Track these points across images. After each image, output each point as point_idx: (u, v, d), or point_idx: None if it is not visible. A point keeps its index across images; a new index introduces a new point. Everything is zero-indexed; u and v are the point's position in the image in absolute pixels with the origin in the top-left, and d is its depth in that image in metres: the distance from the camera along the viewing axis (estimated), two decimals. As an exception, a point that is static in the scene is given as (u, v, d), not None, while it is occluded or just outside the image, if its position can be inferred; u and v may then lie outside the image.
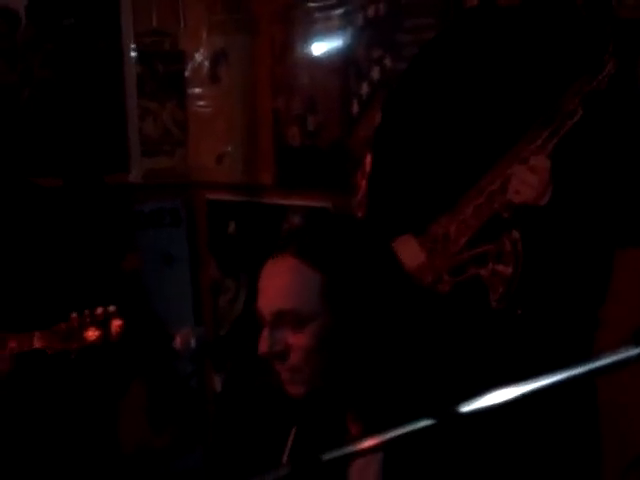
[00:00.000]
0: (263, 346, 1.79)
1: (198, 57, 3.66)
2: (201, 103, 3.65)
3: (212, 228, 3.64)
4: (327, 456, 1.05)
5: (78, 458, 2.58)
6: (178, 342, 1.98)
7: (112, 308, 2.25)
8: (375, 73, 3.16)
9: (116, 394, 2.72)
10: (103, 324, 2.23)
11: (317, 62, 3.32)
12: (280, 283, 1.79)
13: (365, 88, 3.18)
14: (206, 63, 3.64)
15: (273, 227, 3.39)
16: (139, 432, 3.54)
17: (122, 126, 3.60)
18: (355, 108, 3.21)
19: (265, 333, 1.79)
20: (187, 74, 3.69)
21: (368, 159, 2.71)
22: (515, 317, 2.35)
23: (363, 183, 2.71)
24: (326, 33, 3.27)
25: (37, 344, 2.28)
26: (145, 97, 3.67)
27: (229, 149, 3.55)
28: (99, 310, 2.24)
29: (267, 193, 3.45)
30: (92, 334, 2.23)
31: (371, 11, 3.14)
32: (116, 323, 2.23)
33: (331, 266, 1.77)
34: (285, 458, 1.86)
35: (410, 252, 2.50)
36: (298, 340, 1.76)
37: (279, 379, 1.80)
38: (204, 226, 3.67)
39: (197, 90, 3.67)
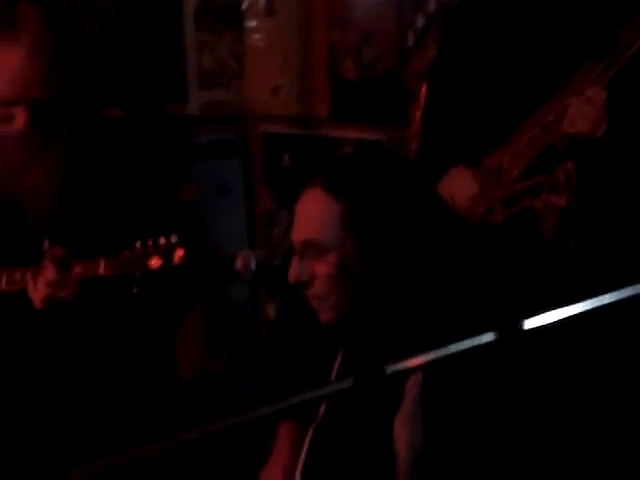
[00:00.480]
0: (292, 274, 1.88)
1: (255, -10, 3.68)
2: (257, 36, 3.66)
3: (267, 160, 3.68)
4: (390, 369, 1.09)
5: (138, 384, 2.63)
6: (239, 263, 2.02)
7: (174, 238, 2.26)
8: (431, 5, 3.16)
9: (176, 322, 2.77)
10: (166, 253, 2.25)
11: (372, -6, 3.32)
12: (307, 214, 1.87)
13: (420, 20, 3.19)
14: (263, -5, 3.65)
15: (327, 159, 3.42)
16: (196, 358, 3.62)
17: (180, 58, 3.63)
18: (410, 40, 3.22)
19: (294, 262, 1.87)
20: (244, 7, 3.71)
21: (423, 91, 2.72)
22: (567, 249, 2.37)
23: (418, 115, 2.73)
24: (382, -35, 3.27)
25: (102, 271, 2.31)
26: (203, 30, 3.69)
27: (284, 82, 3.57)
28: (162, 240, 2.26)
29: (322, 125, 3.47)
30: (155, 263, 2.24)
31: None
32: (178, 253, 2.25)
33: (354, 197, 1.82)
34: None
35: (463, 183, 2.52)
36: (320, 269, 1.82)
37: (311, 308, 1.86)
38: (259, 158, 3.70)
39: (254, 23, 3.68)
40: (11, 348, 2.53)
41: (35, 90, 2.39)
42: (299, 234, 1.88)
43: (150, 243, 2.26)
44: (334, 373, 1.93)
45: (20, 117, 2.41)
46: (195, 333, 3.60)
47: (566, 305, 1.28)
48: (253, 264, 2.01)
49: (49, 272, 2.32)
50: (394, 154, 2.27)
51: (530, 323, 1.18)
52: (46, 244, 2.43)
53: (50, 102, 2.40)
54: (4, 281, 2.48)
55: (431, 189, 2.02)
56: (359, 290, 1.81)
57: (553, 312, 1.24)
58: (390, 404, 1.08)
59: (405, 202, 1.84)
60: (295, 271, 1.87)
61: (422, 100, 2.70)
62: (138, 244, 2.26)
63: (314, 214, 1.86)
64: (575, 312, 1.27)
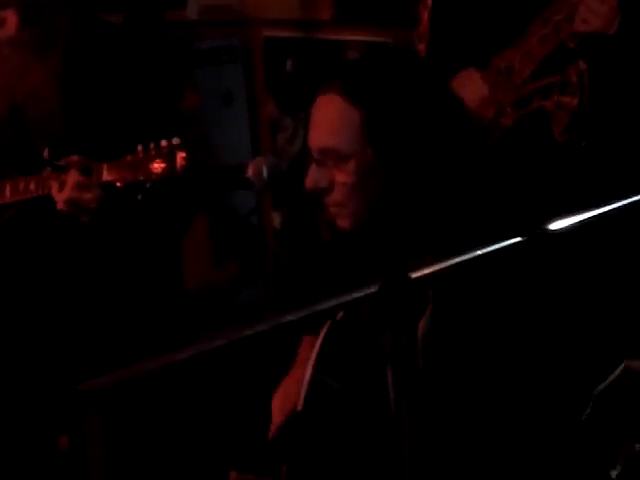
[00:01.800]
0: (309, 182, 1.85)
1: None
2: (258, -64, 3.59)
3: (269, 65, 3.62)
4: (415, 274, 1.07)
5: (145, 293, 2.64)
6: (250, 171, 1.99)
7: (176, 140, 2.24)
8: None
9: (180, 228, 2.76)
10: (168, 156, 2.23)
11: None
12: (324, 120, 1.83)
13: None
14: None
15: (331, 63, 3.37)
16: (201, 267, 3.62)
17: (178, -39, 3.56)
18: (415, -61, 3.14)
19: (311, 169, 1.84)
20: None
21: (430, -9, 2.67)
22: (579, 149, 2.35)
23: (425, 15, 2.68)
24: None
25: (106, 176, 2.30)
26: None
27: (286, -17, 3.51)
28: (164, 143, 2.24)
29: (325, 28, 3.41)
30: (158, 166, 2.22)
31: None
32: (180, 155, 2.23)
33: (372, 102, 1.79)
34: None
35: (473, 85, 2.49)
36: (340, 176, 1.80)
37: (328, 213, 1.84)
38: (261, 63, 3.64)
39: None
40: (19, 257, 2.53)
41: None
42: (317, 141, 1.83)
43: (152, 146, 2.24)
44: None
45: (11, 20, 2.37)
46: (201, 244, 3.60)
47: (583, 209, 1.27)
48: (265, 172, 1.98)
49: (72, 177, 2.31)
50: (408, 53, 2.23)
51: (554, 225, 1.15)
52: (46, 152, 2.41)
53: (40, 3, 2.37)
54: (8, 191, 2.46)
55: (446, 87, 1.97)
56: (378, 197, 1.79)
57: (573, 216, 1.22)
58: (414, 310, 1.07)
59: (422, 103, 1.81)
60: (313, 178, 1.84)
61: (429, 1, 2.65)
62: (140, 148, 2.24)
63: (332, 121, 1.82)
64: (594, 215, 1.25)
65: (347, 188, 1.80)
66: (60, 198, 2.33)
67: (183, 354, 1.20)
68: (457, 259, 1.08)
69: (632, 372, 1.50)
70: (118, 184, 2.27)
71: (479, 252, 1.08)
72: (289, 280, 3.58)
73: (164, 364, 1.19)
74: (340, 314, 1.84)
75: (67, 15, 2.48)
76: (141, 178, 2.24)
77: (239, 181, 1.99)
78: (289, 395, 2.00)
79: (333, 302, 1.11)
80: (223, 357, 1.19)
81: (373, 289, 1.09)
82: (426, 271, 1.10)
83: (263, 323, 1.08)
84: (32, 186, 2.41)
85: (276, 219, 3.69)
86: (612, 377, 1.49)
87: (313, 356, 1.91)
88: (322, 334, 1.91)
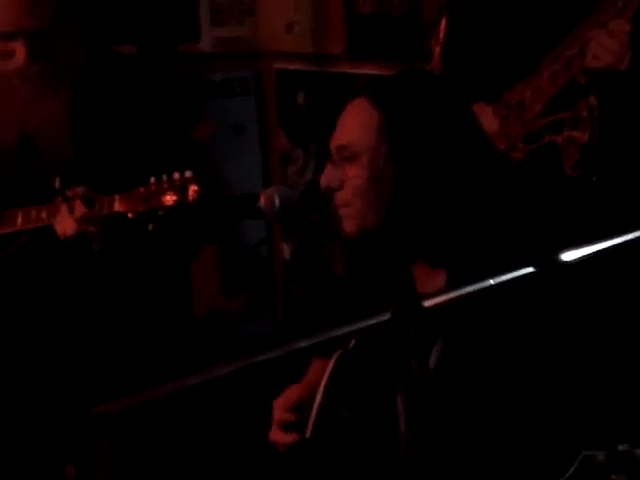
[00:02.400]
0: (322, 180, 1.90)
1: None
2: (270, -30, 3.61)
3: (281, 98, 3.64)
4: (428, 302, 1.08)
5: (154, 321, 2.64)
6: (262, 201, 2.00)
7: (189, 174, 2.26)
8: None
9: (189, 257, 2.77)
10: (180, 189, 2.24)
11: None
12: (346, 121, 1.90)
13: (437, -46, 3.13)
14: None
15: (343, 97, 3.39)
16: (211, 298, 3.62)
17: (192, -6, 3.59)
18: (427, -26, 3.17)
19: (327, 168, 1.89)
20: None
21: (442, 26, 2.68)
22: (590, 184, 2.35)
23: (437, 50, 2.69)
24: None
25: (118, 207, 2.31)
26: (213, -35, 3.64)
27: (299, 17, 3.51)
28: (176, 175, 2.26)
29: (337, 62, 3.43)
30: (169, 198, 2.24)
31: None
32: (192, 188, 2.24)
33: (393, 108, 1.84)
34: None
35: (484, 119, 2.49)
36: (352, 171, 1.84)
37: (336, 218, 1.86)
38: (273, 96, 3.66)
39: (266, -44, 3.63)
40: (31, 284, 2.54)
41: (28, 20, 2.36)
42: (336, 140, 1.90)
43: (164, 179, 2.25)
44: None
45: (20, 52, 2.39)
46: (210, 274, 3.60)
47: (595, 240, 1.27)
48: (277, 201, 1.99)
49: (78, 208, 2.32)
50: (435, 75, 2.29)
51: (567, 256, 1.16)
52: (57, 181, 2.42)
53: (47, 33, 2.38)
54: (20, 220, 2.48)
55: (471, 111, 2.00)
56: (386, 200, 1.82)
57: (584, 247, 1.23)
58: (425, 338, 1.07)
59: (446, 120, 1.86)
60: (326, 176, 1.90)
61: (441, 35, 2.66)
62: (152, 180, 2.26)
63: (352, 121, 1.89)
64: (605, 247, 1.26)
65: (356, 184, 1.84)
66: (63, 232, 2.35)
67: (192, 380, 1.20)
68: (469, 288, 1.08)
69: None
70: (130, 215, 2.29)
71: (491, 282, 1.09)
72: (298, 312, 3.58)
73: (175, 390, 1.19)
74: (352, 343, 1.84)
75: (78, 47, 2.50)
76: (153, 209, 2.25)
77: (251, 210, 2.00)
78: (292, 396, 2.00)
79: (346, 329, 1.12)
80: (236, 382, 1.20)
81: (386, 317, 1.10)
82: (439, 300, 1.10)
83: (277, 349, 1.09)
84: (44, 214, 2.43)
85: (286, 250, 3.70)
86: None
87: (323, 383, 1.91)
88: (333, 361, 1.91)
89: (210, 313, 3.64)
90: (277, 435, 1.99)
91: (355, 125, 1.87)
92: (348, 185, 1.86)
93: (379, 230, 1.83)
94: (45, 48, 2.40)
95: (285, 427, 1.98)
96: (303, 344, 1.10)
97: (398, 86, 1.92)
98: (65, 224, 2.35)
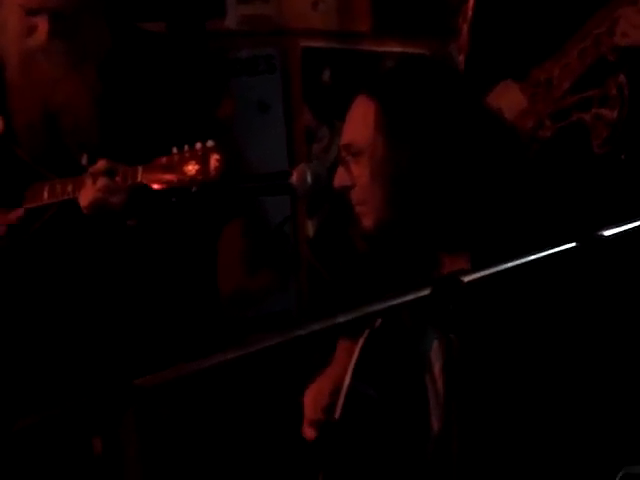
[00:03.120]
0: (335, 181, 1.90)
1: None
2: (297, -52, 3.60)
3: (306, 75, 3.64)
4: (467, 277, 1.08)
5: (181, 300, 2.65)
6: (294, 178, 2.01)
7: (210, 143, 2.24)
8: None
9: (215, 233, 2.78)
10: (202, 158, 2.24)
11: None
12: (350, 120, 1.91)
13: None
14: None
15: (368, 74, 3.38)
16: (235, 275, 3.63)
17: (218, -30, 3.58)
18: (453, -49, 3.15)
19: (338, 168, 1.89)
20: None
21: (470, 3, 2.67)
22: (618, 161, 2.35)
23: (465, 28, 2.69)
24: None
25: (141, 178, 2.32)
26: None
27: (325, -5, 3.52)
28: (198, 145, 2.25)
29: (363, 40, 3.43)
30: (192, 168, 2.24)
31: None
32: (214, 157, 2.23)
33: (391, 101, 1.83)
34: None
35: (511, 97, 2.49)
36: (357, 170, 1.84)
37: (354, 215, 1.87)
38: (298, 73, 3.66)
39: None
40: (58, 258, 2.56)
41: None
42: (342, 139, 1.92)
43: (186, 149, 2.25)
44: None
45: (42, 28, 2.39)
46: (235, 251, 3.61)
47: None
48: (309, 178, 2.00)
49: (99, 180, 2.33)
50: (443, 65, 2.26)
51: (609, 232, 1.16)
52: (84, 159, 2.43)
53: (71, 11, 2.39)
54: (46, 193, 2.49)
55: (479, 100, 2.00)
56: (395, 192, 1.81)
57: (622, 224, 1.23)
58: (466, 313, 1.08)
59: (449, 110, 1.84)
60: (338, 177, 1.91)
61: (469, 13, 2.66)
62: (174, 150, 2.26)
63: (354, 118, 1.89)
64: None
65: (363, 182, 1.84)
66: (85, 202, 2.36)
67: (232, 354, 1.21)
68: (510, 264, 1.08)
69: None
70: (155, 186, 2.29)
71: (532, 257, 1.09)
72: (322, 289, 3.59)
73: (214, 363, 1.20)
74: (378, 322, 1.85)
75: (102, 25, 2.51)
76: (175, 180, 2.25)
77: (282, 187, 2.01)
78: (322, 392, 2.01)
79: (382, 305, 1.12)
80: (271, 358, 1.21)
81: (424, 292, 1.10)
82: (478, 275, 1.11)
83: (314, 324, 1.09)
84: (69, 188, 2.44)
85: (310, 228, 3.70)
86: None
87: (351, 364, 1.92)
88: (360, 342, 1.92)
89: (235, 289, 3.65)
90: (309, 432, 2.00)
91: (356, 122, 1.87)
92: (358, 183, 1.86)
93: (396, 223, 1.83)
94: (68, 26, 2.41)
95: (317, 425, 1.99)
96: (341, 319, 1.11)
97: (393, 76, 1.91)
98: (87, 196, 2.36)
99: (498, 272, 1.10)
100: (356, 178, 1.86)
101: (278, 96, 3.67)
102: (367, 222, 1.87)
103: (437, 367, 1.74)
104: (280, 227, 3.65)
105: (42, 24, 2.39)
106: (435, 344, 1.75)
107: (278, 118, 3.67)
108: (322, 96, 3.60)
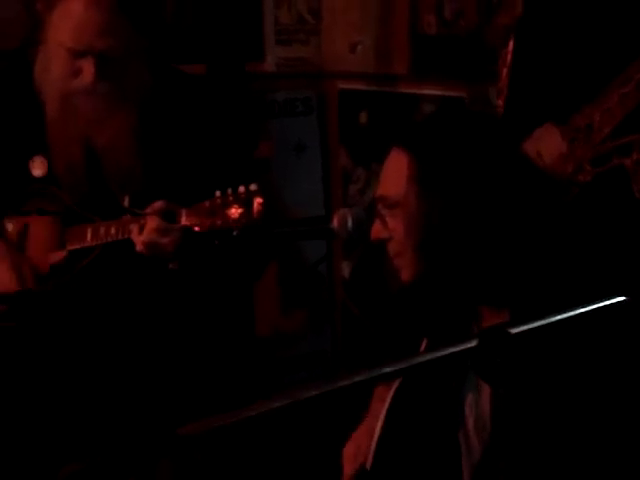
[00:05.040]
0: (372, 234, 1.89)
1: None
2: (335, -10, 3.63)
3: (344, 117, 3.65)
4: (515, 330, 1.07)
5: (219, 343, 2.65)
6: (335, 222, 2.01)
7: (254, 187, 2.26)
8: (515, -40, 3.10)
9: (254, 276, 2.78)
10: (245, 202, 2.25)
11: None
12: (384, 172, 1.89)
13: (504, -24, 3.13)
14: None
15: (405, 117, 3.39)
16: (271, 315, 3.63)
17: (257, 14, 3.61)
18: (493, -4, 3.16)
19: (375, 221, 1.88)
20: (322, -39, 3.67)
21: (510, 47, 2.67)
22: (660, 207, 2.33)
23: (504, 71, 2.69)
24: None
25: (184, 221, 2.33)
26: (279, -15, 3.66)
27: (363, 37, 3.53)
28: (241, 189, 2.26)
29: (400, 82, 3.43)
30: (235, 211, 2.25)
31: None
32: (257, 201, 2.25)
33: (425, 152, 1.82)
34: (422, 346, 1.90)
35: (551, 142, 2.49)
36: (392, 224, 1.83)
37: (393, 267, 1.86)
38: (336, 115, 3.68)
39: (331, -23, 3.65)
40: (101, 298, 2.56)
41: (101, 41, 2.39)
42: (377, 191, 1.91)
43: (229, 192, 2.27)
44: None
45: (88, 70, 2.41)
46: (270, 291, 3.61)
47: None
48: (350, 223, 2.00)
49: (152, 220, 2.35)
50: (479, 113, 2.25)
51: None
52: (126, 200, 2.44)
53: (117, 54, 2.41)
54: (89, 235, 2.50)
55: (516, 147, 1.99)
56: (430, 246, 1.80)
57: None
58: (513, 364, 1.06)
59: (484, 160, 1.82)
60: (375, 230, 1.90)
61: (509, 57, 2.66)
62: (217, 194, 2.28)
63: (389, 171, 1.88)
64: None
65: (400, 235, 1.83)
66: (139, 240, 2.37)
67: (275, 403, 1.20)
68: (558, 317, 1.07)
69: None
70: (197, 228, 2.30)
71: (579, 310, 1.08)
72: (357, 330, 3.58)
73: (257, 412, 1.19)
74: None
75: (144, 67, 2.53)
76: (219, 223, 2.26)
77: (322, 231, 2.01)
78: (360, 447, 1.99)
79: (429, 356, 1.11)
80: (316, 407, 1.20)
81: (471, 344, 1.09)
82: (524, 328, 1.10)
83: (360, 374, 1.09)
84: (112, 230, 2.46)
85: (345, 269, 3.70)
86: None
87: (383, 411, 1.90)
88: (393, 388, 1.90)
89: (269, 330, 3.65)
90: None
91: (390, 174, 1.86)
92: (394, 236, 1.86)
93: (432, 275, 1.82)
94: (113, 68, 2.43)
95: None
96: (387, 369, 1.09)
97: (427, 128, 1.91)
98: (139, 238, 2.38)
99: (544, 325, 1.09)
100: (392, 231, 1.85)
101: (315, 137, 3.69)
102: (405, 275, 1.86)
103: (471, 422, 1.71)
104: (315, 267, 3.65)
105: (88, 66, 2.41)
106: (469, 397, 1.73)
107: (315, 159, 3.69)
108: (359, 138, 3.61)
